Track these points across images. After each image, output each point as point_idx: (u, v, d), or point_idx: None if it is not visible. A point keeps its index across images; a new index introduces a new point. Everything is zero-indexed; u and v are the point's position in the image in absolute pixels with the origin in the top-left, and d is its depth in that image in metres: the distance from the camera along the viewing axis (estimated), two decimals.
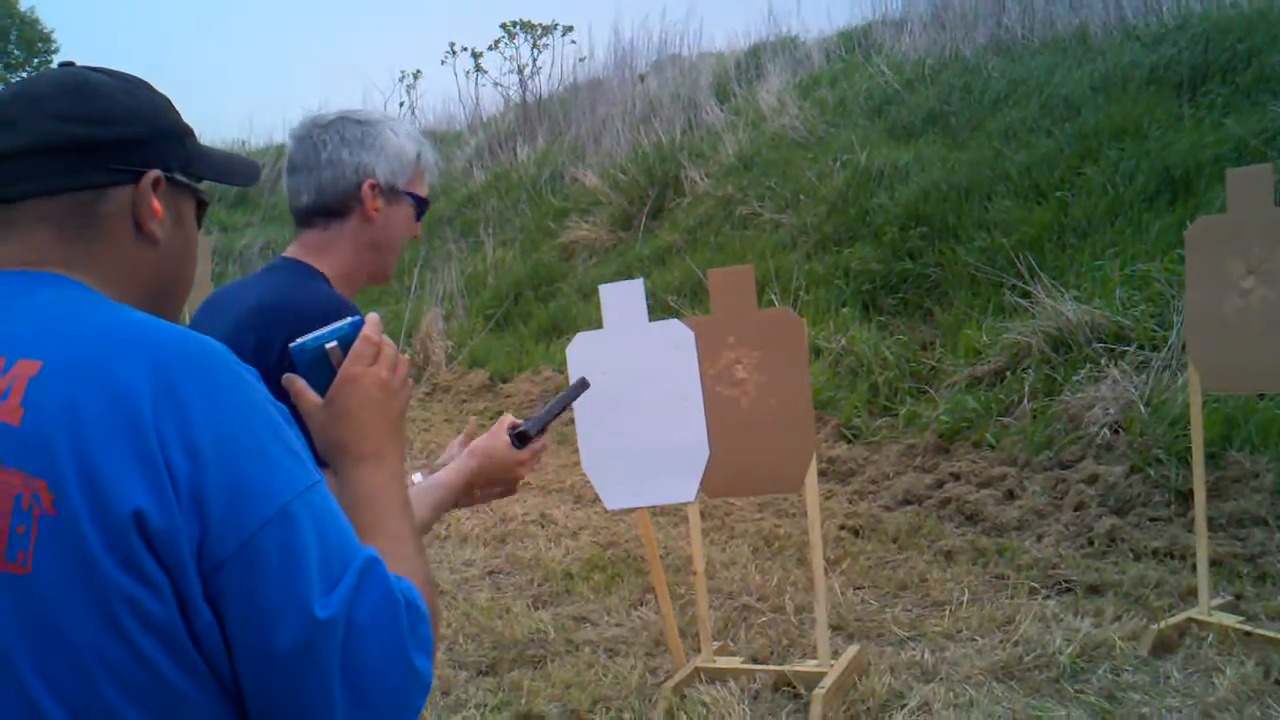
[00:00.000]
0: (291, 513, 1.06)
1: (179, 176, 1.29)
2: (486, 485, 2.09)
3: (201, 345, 1.12)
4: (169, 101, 1.32)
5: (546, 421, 2.12)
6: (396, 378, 1.39)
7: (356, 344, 1.36)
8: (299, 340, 1.36)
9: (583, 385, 2.28)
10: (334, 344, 1.36)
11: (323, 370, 1.36)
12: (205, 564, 1.03)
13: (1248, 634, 4.13)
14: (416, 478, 2.06)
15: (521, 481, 2.15)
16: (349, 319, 1.39)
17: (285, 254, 2.07)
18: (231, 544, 1.03)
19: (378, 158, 2.04)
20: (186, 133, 1.32)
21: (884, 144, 10.53)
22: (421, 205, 2.14)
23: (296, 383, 1.37)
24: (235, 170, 1.40)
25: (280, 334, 1.67)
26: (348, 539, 1.12)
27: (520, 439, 2.07)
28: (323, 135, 2.03)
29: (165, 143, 1.28)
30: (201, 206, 1.35)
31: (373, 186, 2.03)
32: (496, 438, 2.08)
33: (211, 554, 1.03)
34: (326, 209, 2.04)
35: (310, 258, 2.03)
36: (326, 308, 1.73)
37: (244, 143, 25.23)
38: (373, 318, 1.39)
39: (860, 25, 14.90)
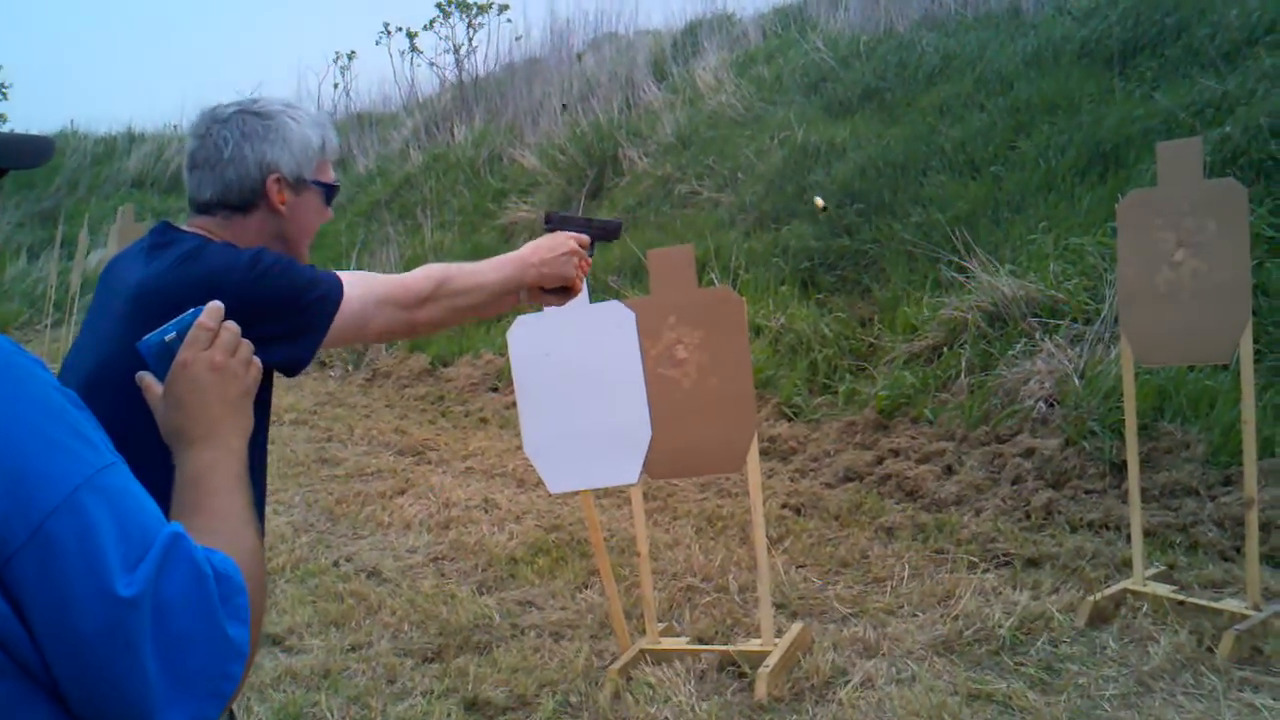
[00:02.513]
0: (81, 497, 1.05)
1: None
2: (546, 255, 2.32)
3: None
4: None
5: (571, 219, 2.49)
6: (235, 360, 1.38)
7: (191, 331, 1.37)
8: (145, 337, 1.38)
9: (618, 228, 2.61)
10: (173, 335, 1.37)
11: (168, 362, 1.37)
12: None
13: (1181, 603, 4.21)
14: None
15: (576, 266, 2.38)
16: (191, 309, 1.39)
17: (193, 231, 2.01)
18: (20, 534, 1.01)
19: (281, 151, 2.03)
20: None
21: (820, 121, 10.56)
22: (330, 191, 2.13)
23: (146, 378, 1.38)
24: (18, 153, 1.35)
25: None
26: (149, 518, 1.11)
27: (547, 219, 2.49)
28: (222, 131, 2.01)
29: None
30: None
31: (278, 180, 2.02)
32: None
33: (1, 546, 1.01)
34: (230, 205, 2.02)
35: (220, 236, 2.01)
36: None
37: (176, 126, 24.90)
38: (213, 305, 1.39)
39: (795, 2, 14.92)
